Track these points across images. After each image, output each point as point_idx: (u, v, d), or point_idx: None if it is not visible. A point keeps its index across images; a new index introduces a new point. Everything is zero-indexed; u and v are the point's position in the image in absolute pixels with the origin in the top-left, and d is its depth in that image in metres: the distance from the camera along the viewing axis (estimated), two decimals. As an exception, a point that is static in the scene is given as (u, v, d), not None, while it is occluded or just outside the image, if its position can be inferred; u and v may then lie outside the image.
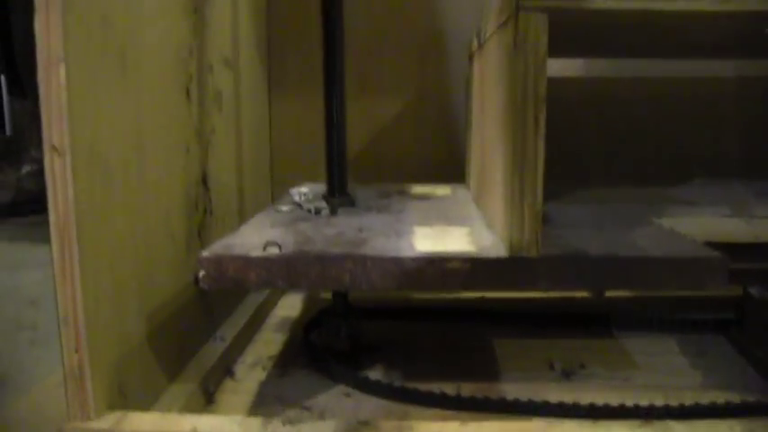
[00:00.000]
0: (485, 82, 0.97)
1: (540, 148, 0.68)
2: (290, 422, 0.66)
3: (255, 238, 0.78)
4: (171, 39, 0.83)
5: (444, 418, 0.80)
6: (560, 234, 0.82)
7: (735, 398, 0.82)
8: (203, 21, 0.93)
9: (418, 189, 1.21)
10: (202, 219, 0.93)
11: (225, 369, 0.93)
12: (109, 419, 0.65)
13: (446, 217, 0.94)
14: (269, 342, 1.06)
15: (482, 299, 1.19)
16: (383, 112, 1.37)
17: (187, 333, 0.88)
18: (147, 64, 0.75)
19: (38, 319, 1.24)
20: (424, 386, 0.85)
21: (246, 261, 0.70)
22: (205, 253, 0.71)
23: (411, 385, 0.86)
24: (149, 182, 0.75)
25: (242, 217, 1.12)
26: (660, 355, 0.99)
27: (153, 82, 0.77)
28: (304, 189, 1.06)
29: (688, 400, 0.80)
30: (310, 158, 1.24)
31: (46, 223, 0.60)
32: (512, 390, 0.87)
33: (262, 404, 0.85)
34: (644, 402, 0.80)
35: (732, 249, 0.84)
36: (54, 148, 0.59)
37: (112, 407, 0.67)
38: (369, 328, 1.03)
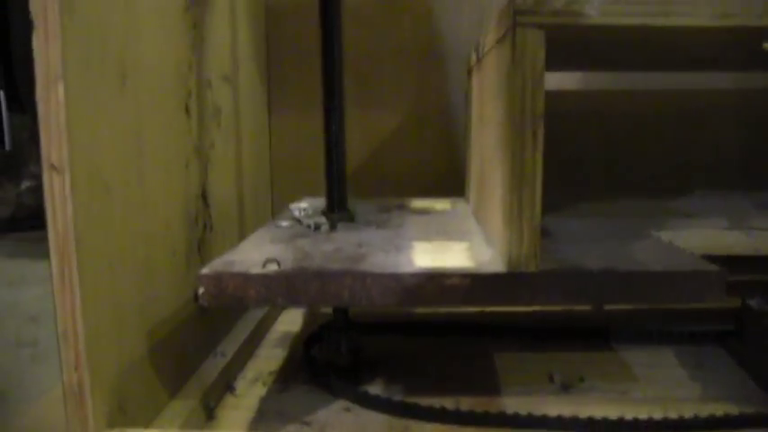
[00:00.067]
0: (483, 96, 0.97)
1: (538, 163, 0.69)
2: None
3: (255, 254, 0.78)
4: (170, 55, 0.83)
5: (444, 433, 0.80)
6: (559, 248, 0.82)
7: (734, 410, 0.82)
8: (202, 36, 0.93)
9: (418, 203, 1.22)
10: (202, 234, 0.93)
11: (225, 385, 0.93)
12: (109, 437, 0.65)
13: (445, 232, 0.94)
14: (269, 357, 1.06)
15: (482, 313, 1.19)
16: (383, 126, 1.37)
17: (187, 349, 0.88)
18: (146, 80, 0.75)
19: (38, 335, 1.24)
20: (424, 400, 0.85)
21: (246, 278, 0.71)
22: (205, 270, 0.72)
23: (411, 400, 0.86)
24: (149, 198, 0.75)
25: (242, 231, 1.12)
26: (659, 367, 0.99)
27: (152, 98, 0.77)
28: (303, 204, 1.06)
29: (687, 412, 0.81)
30: (311, 172, 1.24)
31: (46, 239, 0.60)
32: (511, 403, 0.87)
33: (262, 420, 0.85)
34: (643, 415, 0.80)
35: (731, 261, 0.84)
36: (53, 166, 0.59)
37: (112, 424, 0.66)
38: (369, 342, 1.03)
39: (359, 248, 0.82)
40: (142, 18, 0.74)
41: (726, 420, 0.79)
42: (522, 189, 0.69)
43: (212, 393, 0.87)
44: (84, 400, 0.62)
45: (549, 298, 0.72)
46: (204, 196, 0.94)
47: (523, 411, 0.82)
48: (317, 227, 0.95)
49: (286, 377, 0.98)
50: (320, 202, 1.05)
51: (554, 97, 1.30)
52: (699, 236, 0.97)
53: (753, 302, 0.96)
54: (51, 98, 0.58)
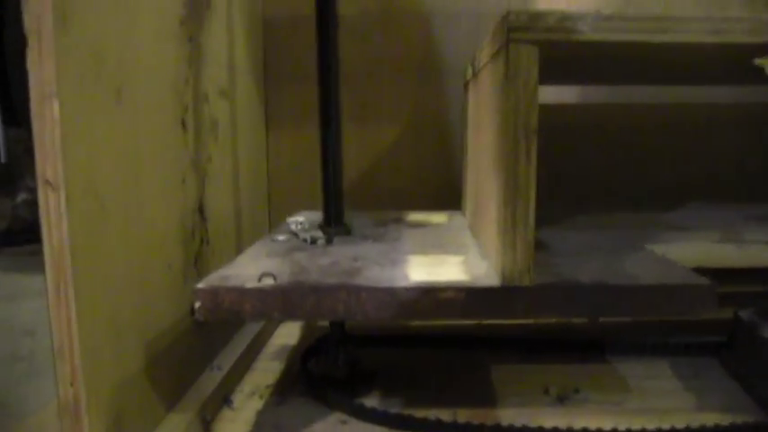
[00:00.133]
0: (479, 111, 0.98)
1: (531, 177, 0.69)
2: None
3: (251, 268, 0.79)
4: (166, 69, 0.84)
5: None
6: (555, 262, 0.83)
7: (725, 420, 0.83)
8: (199, 50, 0.94)
9: (414, 216, 1.22)
10: (199, 248, 0.94)
11: (222, 398, 0.93)
12: (105, 451, 0.66)
13: (441, 245, 0.94)
14: (266, 370, 1.06)
15: (479, 325, 1.20)
16: (380, 140, 1.38)
17: (184, 362, 0.89)
18: (141, 95, 0.75)
19: (34, 349, 1.24)
20: (420, 413, 0.86)
21: (242, 292, 0.71)
22: (201, 284, 0.72)
23: (407, 412, 0.86)
24: (145, 213, 0.76)
25: (239, 245, 1.13)
26: (653, 378, 1.00)
27: (148, 113, 0.77)
28: (300, 218, 1.06)
29: (680, 422, 0.81)
30: (308, 186, 1.25)
31: (41, 252, 0.60)
32: (507, 415, 0.88)
33: (259, 433, 0.86)
34: (636, 426, 0.81)
35: (724, 274, 0.85)
36: (48, 182, 0.59)
37: (109, 438, 0.67)
38: (366, 355, 1.04)
39: (354, 262, 0.82)
40: (138, 33, 0.75)
41: (717, 431, 0.80)
42: (515, 203, 0.70)
43: (209, 407, 0.87)
44: (79, 415, 0.62)
45: (544, 311, 0.72)
46: (201, 210, 0.94)
47: (519, 423, 0.83)
48: (314, 241, 0.96)
49: (283, 390, 0.98)
50: (317, 215, 1.06)
51: (552, 110, 1.32)
52: (692, 249, 0.98)
53: (744, 314, 0.97)
54: (46, 115, 0.58)
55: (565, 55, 0.79)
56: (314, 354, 1.05)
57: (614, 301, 0.71)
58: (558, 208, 1.29)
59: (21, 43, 0.58)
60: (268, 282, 0.72)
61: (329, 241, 0.96)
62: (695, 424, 0.81)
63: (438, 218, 1.21)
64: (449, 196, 1.34)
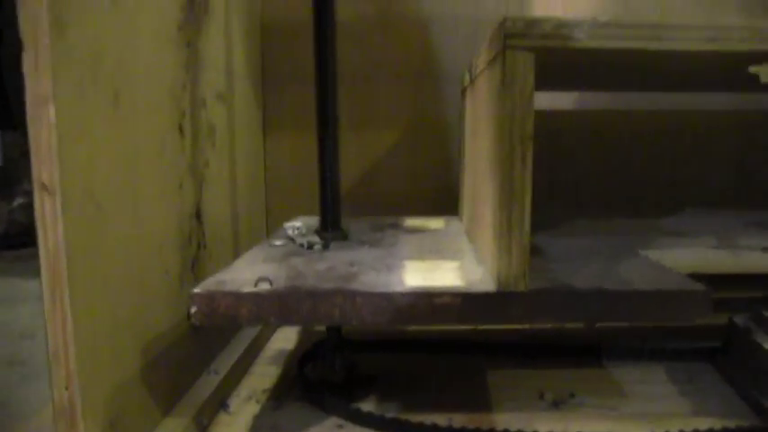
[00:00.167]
0: (476, 117, 0.98)
1: (527, 183, 0.70)
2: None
3: (248, 273, 0.79)
4: (164, 74, 0.84)
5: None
6: (551, 267, 0.83)
7: (718, 424, 0.83)
8: (196, 55, 0.94)
9: (411, 222, 1.22)
10: (196, 252, 0.94)
11: (219, 402, 0.93)
12: (101, 455, 0.66)
13: (438, 250, 0.94)
14: (263, 375, 1.07)
15: (475, 330, 1.20)
16: (378, 145, 1.38)
17: (181, 366, 0.89)
18: (139, 100, 0.76)
19: (30, 353, 1.24)
20: (416, 417, 0.86)
21: (238, 297, 0.71)
22: (197, 289, 0.72)
23: (403, 416, 0.86)
24: (142, 217, 0.76)
25: (237, 249, 1.13)
26: (648, 383, 1.00)
27: (145, 118, 0.78)
28: (297, 223, 1.07)
29: (674, 427, 0.82)
30: (306, 190, 1.25)
31: (38, 256, 0.60)
32: (503, 420, 0.88)
33: (255, 437, 0.86)
34: (631, 430, 0.81)
35: (719, 279, 0.85)
36: (44, 186, 0.59)
37: (105, 443, 0.67)
38: (363, 360, 1.04)
39: (351, 267, 0.83)
40: (135, 38, 0.75)
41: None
42: (511, 209, 0.70)
43: (206, 411, 0.87)
44: (75, 420, 0.63)
45: (539, 317, 0.72)
46: (198, 215, 0.94)
47: (515, 428, 0.83)
48: (311, 246, 0.96)
49: (280, 395, 0.98)
50: (314, 221, 1.06)
51: (550, 116, 1.32)
52: (688, 254, 0.98)
53: (739, 320, 0.97)
54: (42, 118, 0.59)
55: (561, 61, 0.79)
56: (311, 358, 1.06)
57: (609, 306, 0.71)
58: (556, 213, 1.29)
59: (17, 47, 0.58)
60: (264, 286, 0.73)
61: (326, 246, 0.96)
62: (689, 428, 0.81)
63: (435, 223, 1.21)
64: (447, 201, 1.34)
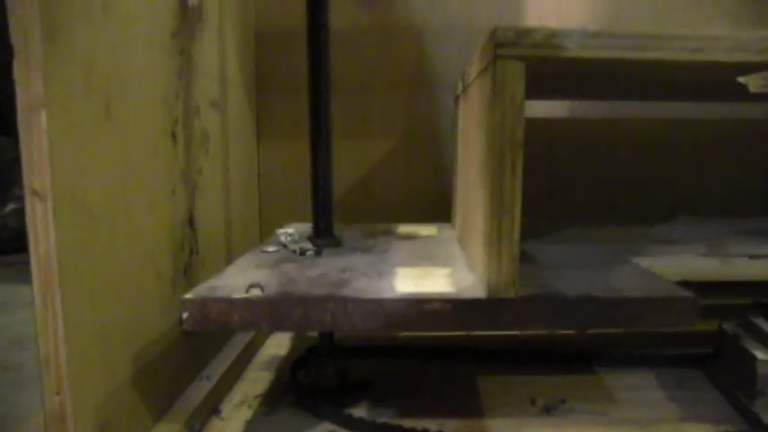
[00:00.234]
0: (468, 125, 0.99)
1: (517, 192, 0.70)
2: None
3: (240, 279, 0.80)
4: (157, 81, 0.84)
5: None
6: (542, 274, 0.84)
7: (707, 430, 0.84)
8: (190, 63, 0.95)
9: (404, 229, 1.23)
10: (189, 259, 0.94)
11: (211, 408, 0.93)
12: (92, 461, 0.66)
13: (430, 257, 0.95)
14: (256, 380, 1.07)
15: (467, 337, 1.20)
16: (372, 152, 1.38)
17: (173, 372, 0.89)
18: (131, 107, 0.76)
19: (23, 359, 1.24)
20: (408, 423, 0.86)
21: (230, 303, 0.72)
22: (188, 295, 0.73)
23: (395, 422, 0.87)
24: (134, 224, 0.77)
25: (230, 256, 1.13)
26: (639, 389, 1.01)
27: (138, 125, 0.78)
28: (290, 230, 1.07)
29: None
30: (299, 197, 1.25)
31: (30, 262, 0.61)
32: (494, 426, 0.89)
33: (247, 443, 0.86)
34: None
35: (709, 287, 0.86)
36: (35, 192, 0.60)
37: (96, 448, 0.67)
38: (355, 366, 1.04)
39: (343, 274, 0.83)
40: (128, 45, 0.75)
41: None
42: (501, 217, 0.70)
43: (197, 417, 0.87)
44: (65, 425, 0.63)
45: (529, 323, 0.73)
46: (191, 222, 0.95)
47: (504, 434, 0.83)
48: (303, 252, 0.96)
49: (272, 400, 0.98)
50: (307, 227, 1.06)
51: (543, 125, 1.33)
52: (678, 262, 0.99)
53: (728, 327, 0.98)
54: (33, 125, 0.59)
55: (553, 71, 0.80)
56: (303, 364, 1.06)
57: (598, 312, 0.72)
58: (548, 221, 1.30)
59: (8, 53, 0.58)
60: (256, 293, 0.73)
61: (318, 253, 0.97)
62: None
63: (427, 230, 1.21)
64: (440, 209, 1.34)
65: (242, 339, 1.14)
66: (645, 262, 0.95)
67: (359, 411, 0.92)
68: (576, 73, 0.85)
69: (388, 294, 0.73)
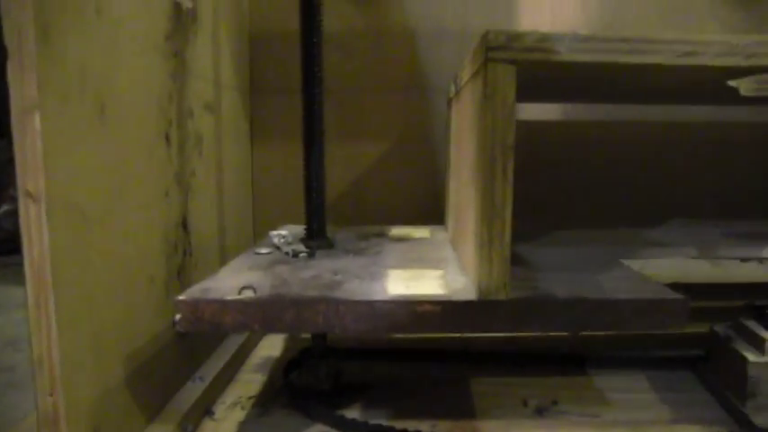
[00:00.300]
0: (460, 128, 0.99)
1: (508, 195, 0.71)
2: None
3: (233, 281, 0.80)
4: (150, 84, 0.84)
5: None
6: (534, 276, 0.84)
7: (699, 431, 0.84)
8: (184, 65, 0.95)
9: (397, 231, 1.23)
10: (182, 261, 0.94)
11: (204, 409, 0.94)
12: (85, 461, 0.66)
13: (422, 260, 0.95)
14: (249, 382, 1.07)
15: (460, 339, 1.21)
16: (366, 155, 1.39)
17: (167, 374, 0.89)
18: (125, 109, 0.76)
19: (17, 360, 1.24)
20: (400, 424, 0.87)
21: (222, 305, 0.72)
22: (181, 296, 0.73)
23: (387, 423, 0.87)
24: (128, 226, 0.77)
25: (223, 258, 1.14)
26: (631, 391, 1.01)
27: (132, 127, 0.78)
28: (283, 232, 1.07)
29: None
30: (293, 199, 1.25)
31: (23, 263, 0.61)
32: (486, 427, 0.89)
33: (240, 444, 0.86)
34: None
35: (699, 289, 0.86)
36: (29, 194, 0.60)
37: (89, 449, 0.68)
38: (349, 367, 1.05)
39: (335, 276, 0.84)
40: (122, 48, 0.76)
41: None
42: (492, 219, 0.71)
43: (190, 418, 0.87)
44: (59, 426, 0.63)
45: (519, 325, 0.73)
46: (185, 224, 0.95)
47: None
48: (296, 254, 0.97)
49: (265, 402, 0.99)
50: (300, 229, 1.07)
51: (536, 127, 1.34)
52: (669, 264, 1.00)
53: (719, 329, 0.98)
54: (27, 127, 0.59)
55: (545, 74, 0.80)
56: (296, 366, 1.06)
57: (588, 314, 0.73)
58: (541, 223, 1.30)
59: (2, 55, 0.58)
60: (248, 294, 0.73)
61: (311, 255, 0.97)
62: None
63: (420, 232, 1.22)
64: (434, 211, 1.35)
65: (235, 341, 1.14)
66: (637, 264, 0.96)
67: (352, 413, 0.92)
68: (568, 76, 0.85)
69: (379, 296, 0.73)
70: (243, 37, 1.32)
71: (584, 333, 1.21)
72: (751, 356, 0.89)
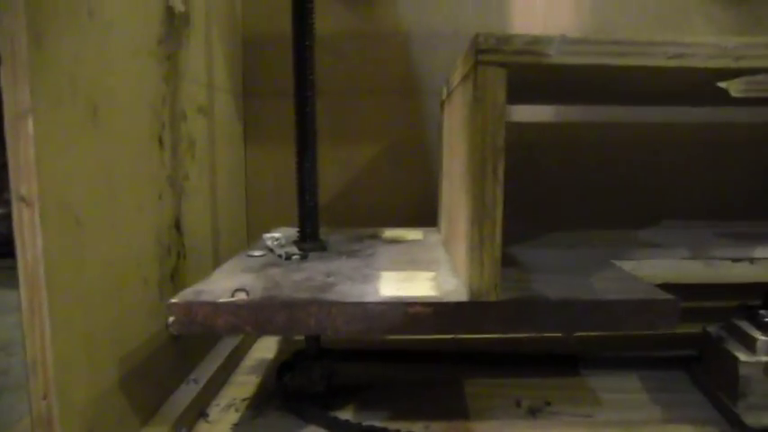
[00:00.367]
0: (452, 130, 0.99)
1: (498, 197, 0.71)
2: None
3: (225, 283, 0.80)
4: (143, 87, 0.85)
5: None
6: (526, 278, 0.85)
7: (691, 431, 0.85)
8: (177, 68, 0.95)
9: (390, 233, 1.24)
10: (176, 263, 0.95)
11: (198, 411, 0.94)
12: (78, 464, 0.66)
13: (414, 261, 0.96)
14: (243, 384, 1.07)
15: (453, 340, 1.21)
16: (359, 157, 1.39)
17: (161, 376, 0.89)
18: (118, 113, 0.77)
19: (9, 364, 1.24)
20: (393, 425, 0.87)
21: (215, 307, 0.72)
22: (174, 299, 0.73)
23: (380, 425, 0.87)
24: (121, 229, 0.77)
25: (217, 260, 1.14)
26: (624, 391, 1.02)
27: (124, 131, 0.79)
28: (277, 234, 1.08)
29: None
30: (286, 202, 1.26)
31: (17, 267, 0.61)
32: (480, 428, 0.89)
33: (234, 446, 0.87)
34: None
35: (692, 289, 0.87)
36: (22, 198, 0.60)
37: (83, 451, 0.68)
38: (342, 369, 1.05)
39: (327, 278, 0.84)
40: (114, 52, 0.76)
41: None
42: (482, 221, 0.71)
43: (185, 420, 0.88)
44: (52, 429, 0.63)
45: (511, 326, 0.74)
46: (178, 226, 0.95)
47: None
48: (289, 257, 0.97)
49: (259, 404, 0.99)
50: (293, 232, 1.07)
51: (529, 129, 1.34)
52: (661, 265, 1.00)
53: (712, 329, 0.99)
54: (20, 132, 0.59)
55: (535, 76, 0.80)
56: (290, 368, 1.06)
57: (579, 315, 0.73)
58: (534, 225, 1.30)
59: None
60: (241, 297, 0.74)
61: (304, 257, 0.97)
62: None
63: (413, 234, 1.22)
64: (427, 213, 1.35)
65: (229, 343, 1.15)
66: (629, 265, 0.96)
67: (345, 414, 0.93)
68: (559, 79, 0.85)
69: (371, 298, 0.74)
70: (236, 40, 1.32)
71: (577, 334, 1.21)
72: (742, 356, 0.90)
